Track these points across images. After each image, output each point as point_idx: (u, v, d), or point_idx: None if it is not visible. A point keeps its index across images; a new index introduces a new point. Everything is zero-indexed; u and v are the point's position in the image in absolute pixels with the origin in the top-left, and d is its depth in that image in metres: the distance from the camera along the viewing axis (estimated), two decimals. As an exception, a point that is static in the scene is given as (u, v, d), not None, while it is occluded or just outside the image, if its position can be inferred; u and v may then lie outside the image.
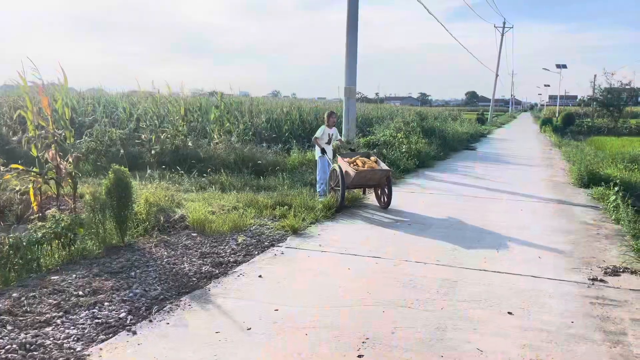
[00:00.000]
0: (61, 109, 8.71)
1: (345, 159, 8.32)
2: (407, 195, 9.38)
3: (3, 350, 3.40)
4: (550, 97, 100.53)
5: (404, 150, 13.32)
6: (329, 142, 9.11)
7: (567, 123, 36.86)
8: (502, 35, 51.33)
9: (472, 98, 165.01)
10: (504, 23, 51.81)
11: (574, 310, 4.19)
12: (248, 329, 3.75)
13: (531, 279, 4.94)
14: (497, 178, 11.76)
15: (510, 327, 3.87)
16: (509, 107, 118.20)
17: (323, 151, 8.80)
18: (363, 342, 3.59)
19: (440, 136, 17.87)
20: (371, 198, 8.99)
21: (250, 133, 15.22)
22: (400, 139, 14.50)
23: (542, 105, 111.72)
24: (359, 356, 3.41)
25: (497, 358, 3.39)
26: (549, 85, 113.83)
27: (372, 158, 8.51)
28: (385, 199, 8.09)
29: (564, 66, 57.06)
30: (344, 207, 7.94)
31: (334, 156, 8.97)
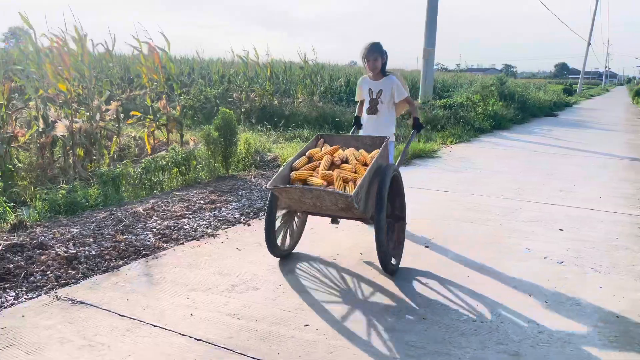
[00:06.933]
0: (168, 64, 10.00)
1: (320, 146, 4.10)
2: (479, 150, 9.89)
3: (155, 229, 4.55)
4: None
5: (479, 111, 13.64)
6: (372, 110, 4.55)
7: (664, 94, 34.39)
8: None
9: (562, 70, 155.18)
10: (600, -13, 48.43)
11: (620, 231, 4.73)
12: (336, 228, 4.66)
13: (588, 210, 5.47)
14: (574, 139, 11.86)
15: (559, 238, 4.51)
16: (602, 79, 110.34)
17: (357, 122, 4.75)
18: (430, 239, 4.41)
19: (520, 101, 17.80)
20: (442, 150, 9.61)
21: (330, 95, 16.11)
22: (477, 101, 14.75)
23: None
24: (426, 246, 4.24)
25: (541, 255, 4.08)
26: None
27: (371, 154, 3.81)
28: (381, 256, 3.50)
29: (667, 33, 52.42)
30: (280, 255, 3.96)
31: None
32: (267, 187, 3.58)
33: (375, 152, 3.78)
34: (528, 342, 2.77)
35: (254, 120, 12.56)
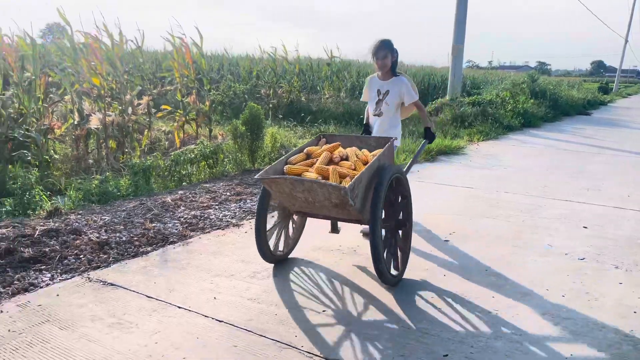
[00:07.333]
0: (200, 60, 10.22)
1: (322, 145, 3.86)
2: (506, 147, 9.80)
3: (183, 218, 4.72)
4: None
5: (509, 109, 13.48)
6: (378, 112, 4.34)
7: None
8: (636, -5, 46.57)
9: (599, 68, 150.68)
10: (640, -18, 46.86)
11: (647, 230, 4.67)
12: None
13: (614, 209, 5.40)
14: (606, 138, 11.61)
15: (582, 235, 4.48)
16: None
17: (365, 127, 4.53)
18: (450, 234, 4.44)
19: (552, 99, 17.48)
20: (469, 147, 9.56)
21: (358, 92, 16.16)
22: (506, 98, 14.57)
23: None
24: (446, 240, 4.28)
25: (562, 251, 4.07)
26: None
27: (374, 152, 3.64)
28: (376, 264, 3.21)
29: None
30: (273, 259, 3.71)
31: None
32: (256, 177, 3.30)
33: (378, 151, 3.55)
34: (542, 334, 2.80)
35: (280, 116, 12.72)
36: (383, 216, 3.26)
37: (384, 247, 3.25)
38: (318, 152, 3.59)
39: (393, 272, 3.40)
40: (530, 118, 13.65)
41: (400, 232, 3.56)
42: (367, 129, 4.49)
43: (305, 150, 3.65)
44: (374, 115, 4.38)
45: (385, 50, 4.18)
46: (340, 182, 3.19)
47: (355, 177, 3.08)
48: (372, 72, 4.58)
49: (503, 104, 13.93)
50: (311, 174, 3.29)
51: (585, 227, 4.70)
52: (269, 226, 3.57)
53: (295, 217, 3.87)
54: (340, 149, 3.60)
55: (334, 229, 3.82)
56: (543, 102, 16.30)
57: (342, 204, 3.10)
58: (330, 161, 3.45)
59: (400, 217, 3.57)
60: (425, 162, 8.02)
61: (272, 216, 3.78)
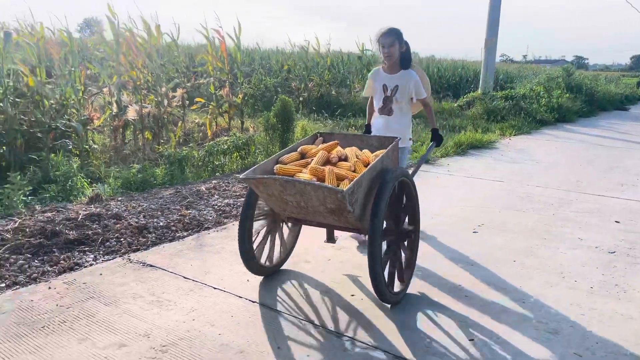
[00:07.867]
0: (235, 52, 10.39)
1: (318, 144, 3.47)
2: (539, 142, 9.68)
3: (216, 206, 4.88)
4: None
5: (543, 103, 13.27)
6: (386, 110, 3.91)
7: None
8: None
9: (639, 63, 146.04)
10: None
11: (682, 225, 4.59)
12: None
13: (648, 204, 5.32)
14: (643, 134, 11.33)
15: (613, 229, 4.45)
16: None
17: (367, 128, 4.18)
18: (479, 226, 4.48)
19: (588, 93, 17.09)
20: (501, 142, 9.48)
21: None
22: (540, 93, 14.33)
23: None
24: (474, 232, 4.32)
25: (593, 245, 4.06)
26: None
27: (376, 153, 3.27)
28: (374, 279, 2.83)
29: None
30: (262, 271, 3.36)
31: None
32: (241, 177, 2.91)
33: (381, 152, 3.16)
34: (568, 322, 2.83)
35: (314, 108, 12.89)
36: (385, 226, 2.89)
37: (384, 261, 2.91)
38: (313, 152, 3.21)
39: (395, 288, 3.03)
40: (565, 113, 13.41)
41: (404, 243, 3.18)
42: (368, 129, 4.12)
43: (299, 149, 3.27)
44: (382, 114, 3.91)
45: (391, 37, 3.69)
46: (338, 185, 2.82)
47: (355, 179, 2.74)
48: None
49: (537, 98, 13.72)
50: (305, 175, 2.92)
51: (618, 222, 4.66)
52: (255, 234, 3.23)
53: (287, 224, 3.48)
54: (339, 148, 3.25)
55: (330, 238, 3.38)
56: (578, 97, 15.97)
57: (339, 210, 2.73)
58: (327, 161, 3.09)
59: (406, 226, 3.19)
60: (455, 155, 8.01)
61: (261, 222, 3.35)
